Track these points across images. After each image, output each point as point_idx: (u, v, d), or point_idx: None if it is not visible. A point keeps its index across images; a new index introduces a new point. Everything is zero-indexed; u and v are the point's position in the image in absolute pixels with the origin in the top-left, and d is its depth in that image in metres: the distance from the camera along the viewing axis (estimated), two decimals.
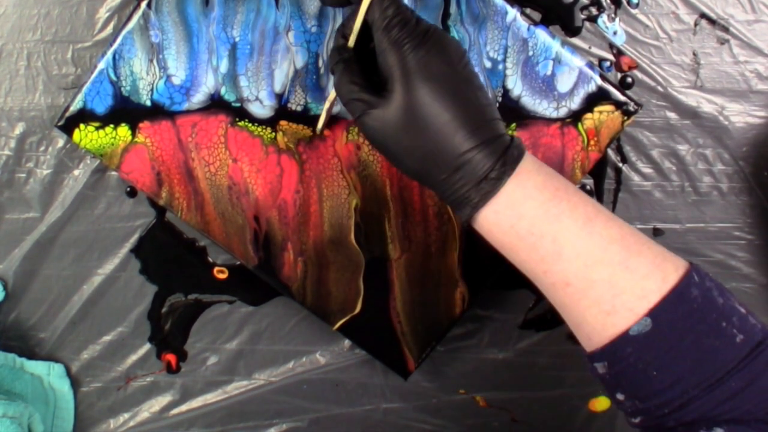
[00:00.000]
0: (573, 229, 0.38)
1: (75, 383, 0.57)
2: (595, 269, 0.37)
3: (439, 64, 0.39)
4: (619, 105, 0.51)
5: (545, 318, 0.56)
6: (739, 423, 0.35)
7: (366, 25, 0.41)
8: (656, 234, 0.55)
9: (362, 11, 0.41)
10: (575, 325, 0.40)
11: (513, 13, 0.50)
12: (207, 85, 0.51)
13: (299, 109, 0.51)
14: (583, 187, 0.55)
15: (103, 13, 0.53)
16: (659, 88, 0.53)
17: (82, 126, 0.51)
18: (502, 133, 0.40)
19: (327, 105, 0.47)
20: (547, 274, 0.39)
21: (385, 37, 0.40)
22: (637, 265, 0.37)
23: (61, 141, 0.54)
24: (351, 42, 0.42)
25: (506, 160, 0.39)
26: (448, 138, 0.39)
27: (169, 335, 0.57)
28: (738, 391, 0.35)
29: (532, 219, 0.39)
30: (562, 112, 0.51)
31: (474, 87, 0.40)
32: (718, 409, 0.36)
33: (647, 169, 0.55)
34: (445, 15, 0.50)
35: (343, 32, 0.43)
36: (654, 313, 0.36)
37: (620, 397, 0.39)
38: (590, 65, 0.51)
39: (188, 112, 0.51)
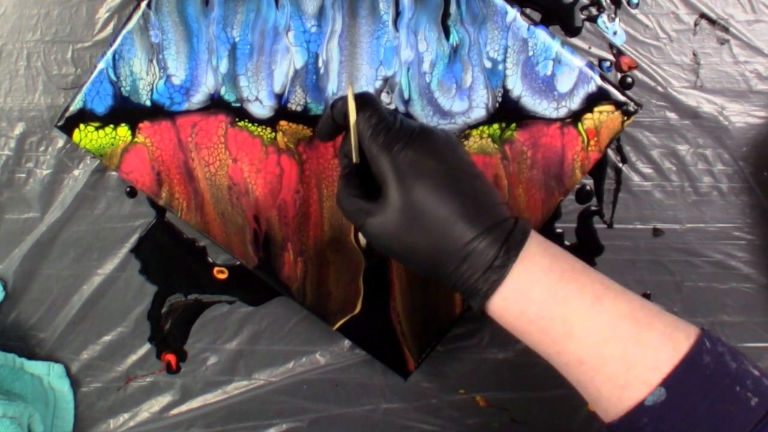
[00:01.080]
0: (582, 309, 0.39)
1: (75, 383, 0.57)
2: (606, 346, 0.38)
3: (429, 161, 0.40)
4: (619, 105, 0.51)
5: None
6: None
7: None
8: (656, 234, 0.55)
9: (353, 129, 0.42)
10: (592, 401, 0.40)
11: (513, 13, 0.50)
12: (207, 85, 0.51)
13: (299, 109, 0.51)
14: (582, 188, 0.55)
15: (103, 13, 0.53)
16: (659, 88, 0.53)
17: (82, 126, 0.51)
18: (503, 217, 0.40)
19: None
20: (561, 354, 0.40)
21: (374, 144, 0.41)
22: (649, 337, 0.38)
23: (61, 141, 0.54)
24: (355, 158, 0.43)
25: (509, 245, 0.39)
26: (449, 232, 0.39)
27: (169, 335, 0.57)
28: None
29: (541, 303, 0.39)
30: (562, 112, 0.51)
31: (469, 176, 0.41)
32: None
33: (647, 169, 0.55)
34: (445, 15, 0.50)
35: (344, 152, 0.44)
36: (667, 383, 0.37)
37: None
38: (590, 65, 0.51)
39: (188, 112, 0.51)
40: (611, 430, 0.39)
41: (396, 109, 0.51)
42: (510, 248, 0.39)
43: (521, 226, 0.40)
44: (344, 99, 0.42)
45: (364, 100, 0.42)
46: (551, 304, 0.39)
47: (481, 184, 0.41)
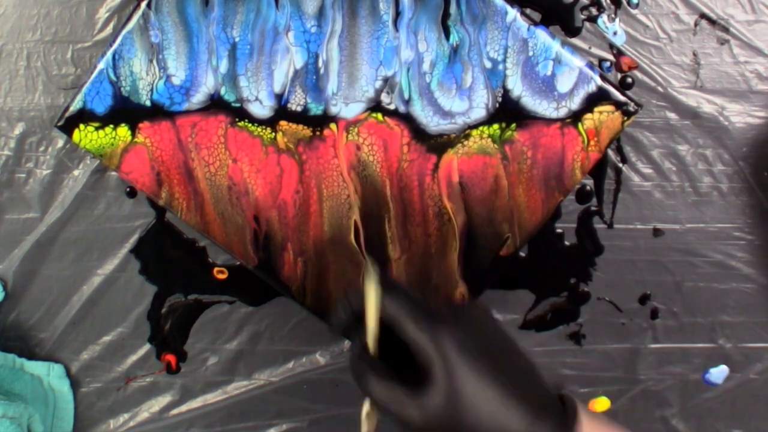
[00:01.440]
0: None
1: (75, 383, 0.57)
2: None
3: (479, 341, 0.38)
4: (619, 105, 0.51)
5: (545, 318, 0.56)
6: None
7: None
8: (656, 234, 0.55)
9: (375, 316, 0.39)
10: None
11: (513, 13, 0.50)
12: (207, 85, 0.51)
13: (299, 109, 0.51)
14: (583, 188, 0.55)
15: (103, 13, 0.53)
16: (659, 88, 0.53)
17: (81, 126, 0.51)
18: (551, 394, 0.38)
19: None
20: None
21: (416, 327, 0.38)
22: None
23: (60, 141, 0.54)
24: (372, 347, 0.40)
25: (568, 424, 0.37)
26: (505, 413, 0.37)
27: (169, 335, 0.57)
28: None
29: None
30: (562, 112, 0.51)
31: (516, 354, 0.39)
32: None
33: (647, 170, 0.55)
34: (445, 15, 0.50)
35: (361, 340, 0.41)
36: None
37: None
38: (590, 65, 0.51)
39: (188, 112, 0.51)
40: None
41: (397, 109, 0.51)
42: (568, 427, 0.37)
43: (570, 404, 0.38)
44: (364, 288, 0.40)
45: (389, 285, 0.40)
46: None
47: (525, 361, 0.39)
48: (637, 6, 0.53)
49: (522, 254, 0.55)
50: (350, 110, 0.51)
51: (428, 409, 0.37)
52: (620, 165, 0.55)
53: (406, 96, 0.51)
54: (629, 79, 0.53)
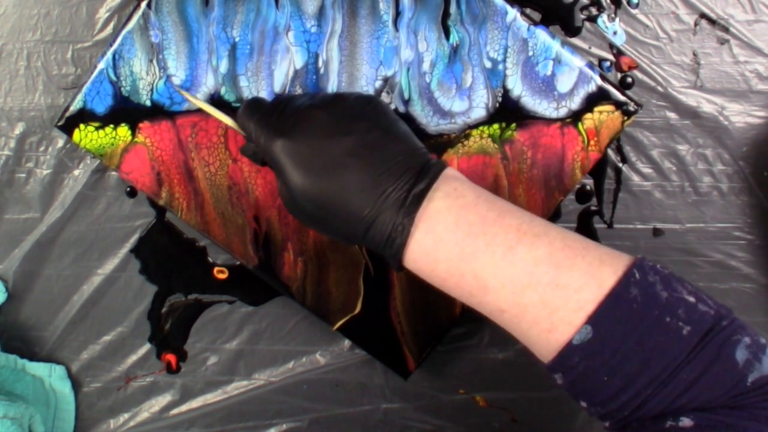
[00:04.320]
0: (492, 262, 0.38)
1: (75, 383, 0.57)
2: (524, 294, 0.38)
3: (302, 149, 0.41)
4: (619, 105, 0.51)
5: None
6: (705, 410, 0.35)
7: None
8: (656, 234, 0.55)
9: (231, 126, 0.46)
10: (525, 345, 0.40)
11: (513, 13, 0.50)
12: (207, 85, 0.51)
13: None
14: (583, 188, 0.55)
15: (103, 13, 0.53)
16: (659, 88, 0.53)
17: (82, 126, 0.51)
18: (396, 186, 0.40)
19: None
20: (481, 305, 0.40)
21: (257, 141, 0.43)
22: (569, 279, 0.37)
23: (61, 141, 0.54)
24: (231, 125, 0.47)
25: (407, 209, 0.39)
26: (344, 207, 0.40)
27: (169, 335, 0.57)
28: (692, 382, 0.35)
29: (448, 261, 0.39)
30: (562, 112, 0.51)
31: (354, 150, 0.41)
32: (676, 402, 0.36)
33: (647, 169, 0.55)
34: (445, 15, 0.50)
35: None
36: (592, 321, 0.36)
37: (583, 404, 0.39)
38: (590, 65, 0.51)
39: (188, 112, 0.51)
40: (549, 370, 0.39)
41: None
42: (408, 211, 0.39)
43: (422, 182, 0.40)
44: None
45: (246, 104, 0.45)
46: (459, 261, 0.39)
47: (370, 151, 0.41)
48: (637, 6, 0.53)
49: None
50: None
51: (282, 194, 0.43)
52: (620, 165, 0.55)
53: (406, 96, 0.51)
54: (629, 79, 0.53)
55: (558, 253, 0.38)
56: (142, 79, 0.51)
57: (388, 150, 0.41)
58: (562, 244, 0.39)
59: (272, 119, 0.43)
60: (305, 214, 0.42)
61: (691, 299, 0.37)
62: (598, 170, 0.54)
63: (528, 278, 0.38)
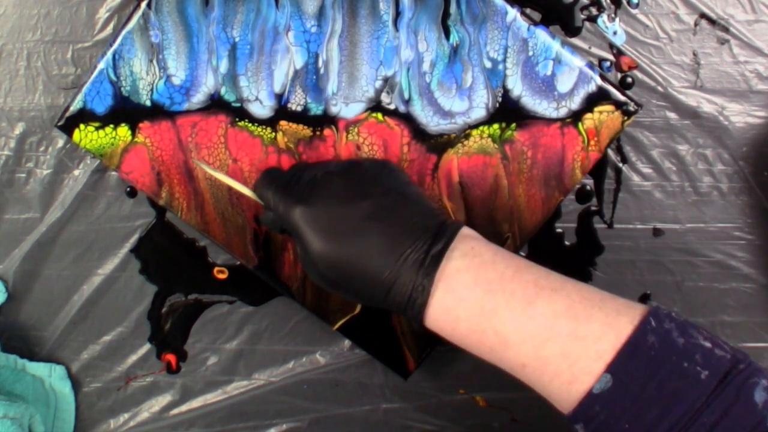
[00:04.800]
0: (512, 318, 0.39)
1: (75, 383, 0.57)
2: (545, 347, 0.39)
3: (321, 215, 0.42)
4: (619, 105, 0.51)
5: None
6: None
7: None
8: (656, 234, 0.55)
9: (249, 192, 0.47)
10: (546, 397, 0.41)
11: (513, 13, 0.50)
12: (207, 85, 0.51)
13: (299, 109, 0.51)
14: (583, 188, 0.55)
15: (103, 13, 0.53)
16: (659, 88, 0.53)
17: (82, 126, 0.51)
18: (414, 247, 0.41)
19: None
20: (503, 361, 0.40)
21: (276, 209, 0.45)
22: (587, 331, 0.38)
23: (61, 141, 0.54)
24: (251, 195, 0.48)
25: (427, 269, 0.40)
26: (365, 270, 0.41)
27: (169, 335, 0.57)
28: (713, 425, 0.36)
29: (469, 319, 0.40)
30: (562, 112, 0.51)
31: (374, 213, 0.42)
32: None
33: (647, 169, 0.55)
34: (445, 15, 0.50)
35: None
36: (612, 369, 0.37)
37: None
38: (590, 65, 0.51)
39: (188, 112, 0.51)
40: (570, 421, 0.40)
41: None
42: (427, 272, 0.40)
43: (439, 242, 0.41)
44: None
45: (263, 176, 0.46)
46: (480, 318, 0.40)
47: (388, 214, 0.42)
48: (637, 6, 0.53)
49: (522, 254, 0.55)
50: (350, 110, 0.51)
51: (302, 260, 0.44)
52: (620, 165, 0.55)
53: (406, 96, 0.51)
54: (629, 79, 0.53)
55: (576, 305, 0.39)
56: (142, 79, 0.51)
57: (404, 212, 0.42)
58: (579, 296, 0.40)
59: (290, 188, 0.44)
60: (327, 279, 0.43)
61: (708, 344, 0.38)
62: (598, 170, 0.54)
63: (548, 332, 0.39)
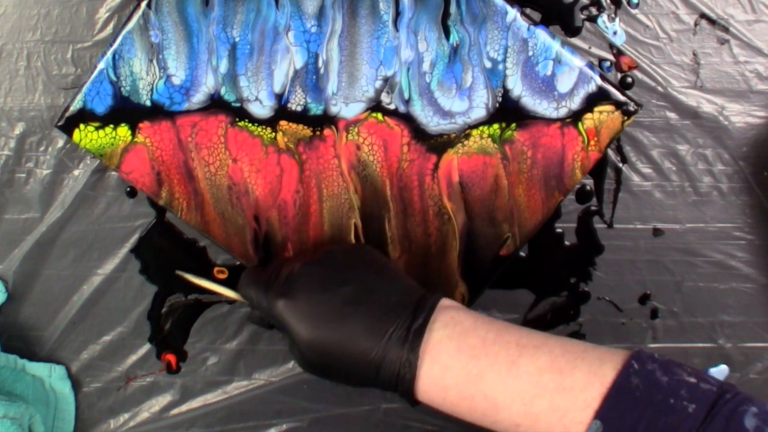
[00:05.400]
0: (499, 379, 0.40)
1: (75, 383, 0.57)
2: (534, 404, 0.39)
3: (302, 305, 0.44)
4: (619, 105, 0.51)
5: (545, 318, 0.56)
6: None
7: None
8: (656, 234, 0.55)
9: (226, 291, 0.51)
10: None
11: (513, 13, 0.50)
12: (207, 85, 0.51)
13: (299, 109, 0.51)
14: (583, 188, 0.55)
15: (103, 13, 0.53)
16: (659, 88, 0.53)
17: (82, 126, 0.51)
18: (397, 325, 0.42)
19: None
20: (496, 424, 0.41)
21: (259, 307, 0.47)
22: (573, 382, 0.39)
23: (61, 141, 0.54)
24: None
25: (411, 345, 0.41)
26: (352, 352, 0.42)
27: (169, 335, 0.57)
28: None
29: (458, 386, 0.41)
30: (562, 112, 0.51)
31: (349, 298, 0.43)
32: None
33: (647, 169, 0.55)
34: (445, 15, 0.50)
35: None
36: (600, 415, 0.38)
37: None
38: (590, 65, 0.51)
39: (188, 112, 0.51)
40: None
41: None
42: (412, 347, 0.41)
43: (420, 316, 0.42)
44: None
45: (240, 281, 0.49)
46: (468, 384, 0.41)
47: (368, 295, 0.43)
48: (637, 6, 0.53)
49: (522, 254, 0.55)
50: (350, 110, 0.51)
51: (292, 352, 0.46)
52: (620, 165, 0.55)
53: (406, 96, 0.51)
54: (629, 79, 0.53)
55: (559, 359, 0.40)
56: (142, 79, 0.51)
57: (384, 292, 0.44)
58: (561, 350, 0.41)
59: (270, 284, 0.46)
60: (317, 367, 0.44)
61: (692, 380, 0.38)
62: (598, 170, 0.54)
63: (535, 388, 0.40)
